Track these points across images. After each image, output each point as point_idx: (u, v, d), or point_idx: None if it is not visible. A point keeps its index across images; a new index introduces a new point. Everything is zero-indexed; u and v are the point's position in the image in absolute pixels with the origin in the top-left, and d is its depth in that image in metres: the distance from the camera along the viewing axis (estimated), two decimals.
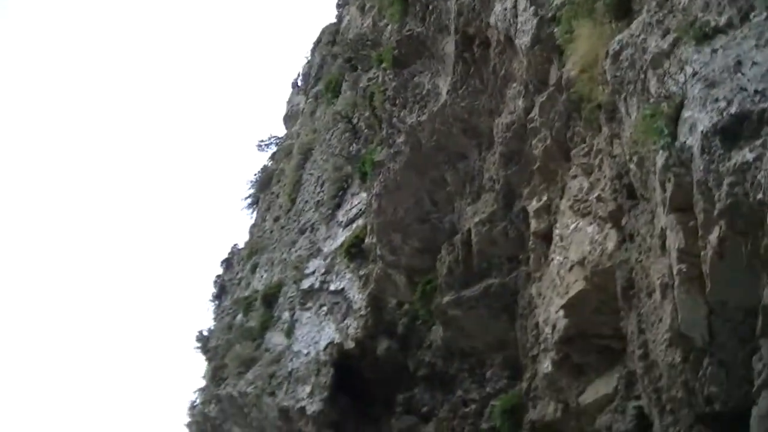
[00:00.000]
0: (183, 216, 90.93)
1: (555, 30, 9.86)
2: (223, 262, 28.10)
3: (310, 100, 26.34)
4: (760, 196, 5.30)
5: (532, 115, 10.89)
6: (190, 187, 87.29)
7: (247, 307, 22.83)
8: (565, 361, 10.13)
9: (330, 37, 26.23)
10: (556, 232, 10.34)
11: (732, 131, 5.56)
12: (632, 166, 7.77)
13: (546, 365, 10.47)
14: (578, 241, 9.61)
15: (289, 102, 30.55)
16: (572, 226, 9.86)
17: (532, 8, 10.47)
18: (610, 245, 8.86)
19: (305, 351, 18.08)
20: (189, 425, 24.78)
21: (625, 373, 9.28)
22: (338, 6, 26.53)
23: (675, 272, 6.74)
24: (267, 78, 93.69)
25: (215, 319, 26.27)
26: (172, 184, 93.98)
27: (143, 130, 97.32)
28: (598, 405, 9.80)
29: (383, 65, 16.61)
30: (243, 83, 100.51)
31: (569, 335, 9.83)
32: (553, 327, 10.06)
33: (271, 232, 24.56)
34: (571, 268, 9.65)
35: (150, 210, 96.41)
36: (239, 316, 23.31)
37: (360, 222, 17.64)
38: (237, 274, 26.17)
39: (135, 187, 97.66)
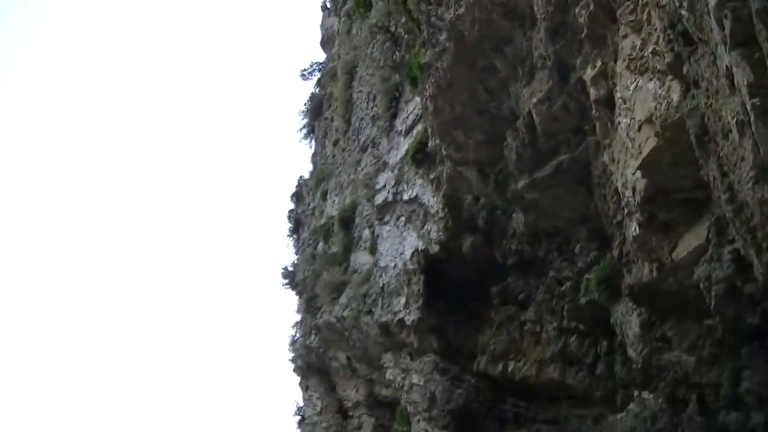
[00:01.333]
0: (243, 160, 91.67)
1: None
2: (293, 197, 28.34)
3: (343, 19, 26.07)
4: None
5: None
6: (246, 131, 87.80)
7: (326, 234, 23.11)
8: (652, 221, 10.06)
9: None
10: (618, 95, 10.16)
11: None
12: (683, 11, 7.55)
13: (633, 228, 10.43)
14: (641, 99, 9.44)
15: (322, 26, 30.29)
16: (632, 86, 9.67)
17: None
18: (675, 97, 8.68)
19: (392, 264, 18.29)
20: (293, 360, 25.40)
21: (714, 221, 9.19)
22: None
23: (749, 108, 6.60)
24: (295, 6, 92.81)
25: (297, 252, 26.65)
26: (229, 129, 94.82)
27: (192, 80, 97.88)
28: (692, 257, 9.75)
29: None
30: (274, 15, 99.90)
31: (650, 194, 9.74)
32: (633, 189, 9.98)
33: (333, 156, 24.66)
34: (639, 128, 9.50)
35: (210, 158, 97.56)
36: (320, 245, 23.61)
37: (419, 127, 17.59)
38: (309, 204, 26.42)
39: (197, 139, 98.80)
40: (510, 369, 15.25)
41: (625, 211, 10.66)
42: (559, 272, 13.81)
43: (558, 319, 13.90)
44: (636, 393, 12.27)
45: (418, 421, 17.32)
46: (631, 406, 12.37)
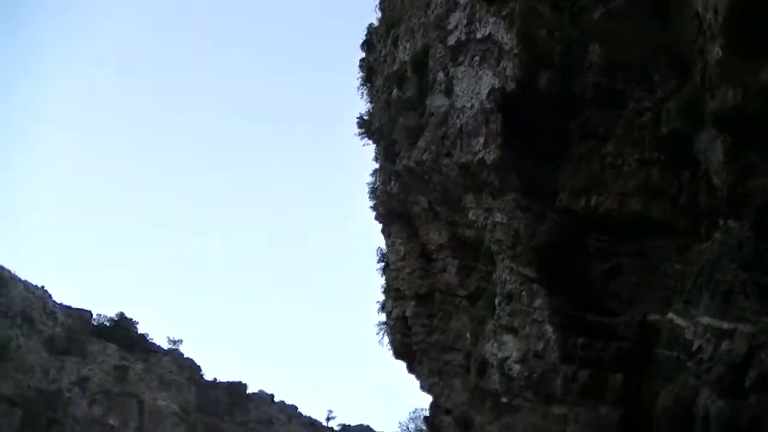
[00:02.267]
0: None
1: None
2: (363, 45, 27.93)
3: None
4: None
5: None
6: None
7: (400, 80, 22.92)
8: (736, 44, 9.73)
9: None
10: None
11: None
12: None
13: (716, 52, 10.11)
14: None
15: None
16: None
17: None
18: None
19: (469, 105, 18.12)
20: (375, 207, 25.72)
21: None
22: None
23: None
24: None
25: (371, 101, 26.52)
26: None
27: None
28: None
29: None
30: None
31: (734, 15, 9.39)
32: (715, 11, 9.62)
33: (402, 1, 24.15)
34: None
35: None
36: (394, 91, 23.46)
37: None
38: (380, 52, 26.08)
39: None
40: (592, 203, 15.25)
41: (707, 35, 10.31)
42: (639, 103, 13.57)
43: (639, 150, 13.75)
44: (721, 221, 12.20)
45: (503, 259, 17.55)
46: (716, 235, 12.33)
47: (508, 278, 17.14)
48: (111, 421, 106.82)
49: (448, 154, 19.00)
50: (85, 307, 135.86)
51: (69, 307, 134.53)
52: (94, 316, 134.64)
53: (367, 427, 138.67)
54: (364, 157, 26.66)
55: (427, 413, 25.23)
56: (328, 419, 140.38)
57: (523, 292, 16.49)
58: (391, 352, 25.05)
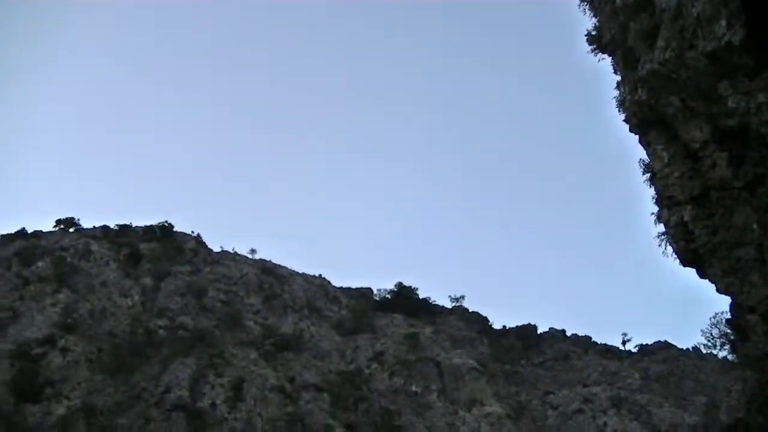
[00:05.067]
0: None
1: None
2: None
3: None
4: None
5: None
6: None
7: None
8: None
9: None
10: None
11: None
12: None
13: None
14: None
15: None
16: None
17: None
18: None
19: None
20: (627, 120, 25.05)
21: None
22: None
23: None
24: None
25: (595, 15, 25.84)
26: None
27: None
28: None
29: None
30: None
31: None
32: None
33: None
34: None
35: None
36: None
37: None
38: None
39: None
40: None
41: None
42: None
43: None
44: None
45: None
46: None
47: None
48: (413, 388, 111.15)
49: (691, 47, 18.18)
50: (363, 286, 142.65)
51: (349, 289, 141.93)
52: (375, 291, 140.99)
53: (665, 342, 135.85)
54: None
55: (728, 316, 24.37)
56: (623, 343, 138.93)
57: None
58: (677, 261, 24.40)
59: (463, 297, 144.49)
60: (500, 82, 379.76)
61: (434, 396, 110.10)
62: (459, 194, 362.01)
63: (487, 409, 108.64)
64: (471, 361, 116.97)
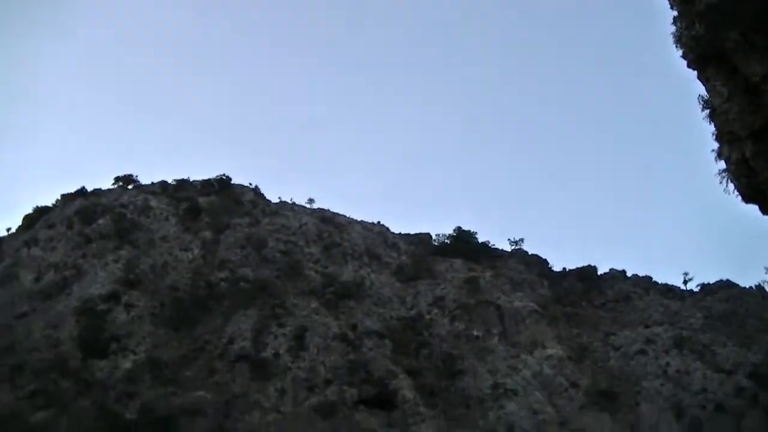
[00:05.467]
0: None
1: None
2: None
3: None
4: None
5: None
6: None
7: None
8: None
9: None
10: None
11: None
12: None
13: None
14: None
15: None
16: None
17: None
18: None
19: None
20: (684, 55, 24.55)
21: None
22: None
23: None
24: None
25: None
26: None
27: None
28: None
29: None
30: None
31: None
32: None
33: None
34: None
35: None
36: None
37: None
38: None
39: None
40: None
41: None
42: None
43: None
44: None
45: None
46: None
47: None
48: (474, 332, 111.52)
49: None
50: (422, 231, 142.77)
51: (408, 235, 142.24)
52: (434, 237, 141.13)
53: (727, 281, 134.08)
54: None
55: None
56: (685, 282, 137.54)
57: None
58: (739, 198, 24.03)
59: (522, 240, 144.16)
60: (557, 20, 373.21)
61: (495, 339, 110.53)
62: (517, 138, 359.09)
63: (549, 351, 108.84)
64: (531, 304, 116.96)
